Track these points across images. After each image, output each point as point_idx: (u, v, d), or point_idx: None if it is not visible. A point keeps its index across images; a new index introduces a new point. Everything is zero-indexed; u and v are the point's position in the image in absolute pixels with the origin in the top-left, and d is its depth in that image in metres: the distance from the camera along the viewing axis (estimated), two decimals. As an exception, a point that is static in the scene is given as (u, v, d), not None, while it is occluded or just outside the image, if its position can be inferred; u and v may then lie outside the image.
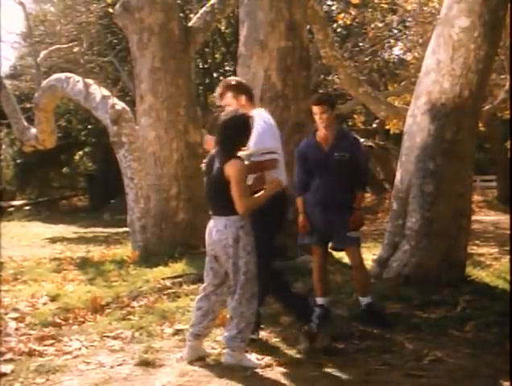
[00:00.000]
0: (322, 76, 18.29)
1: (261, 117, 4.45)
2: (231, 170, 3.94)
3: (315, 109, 4.90)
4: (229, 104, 4.57)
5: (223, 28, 19.66)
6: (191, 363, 4.09)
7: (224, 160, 3.98)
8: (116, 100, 9.96)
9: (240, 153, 4.08)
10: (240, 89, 4.65)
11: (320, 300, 4.98)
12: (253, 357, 4.09)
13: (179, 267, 6.98)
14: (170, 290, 5.91)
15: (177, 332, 4.73)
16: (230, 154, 4.00)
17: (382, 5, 14.14)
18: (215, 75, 22.68)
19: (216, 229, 4.05)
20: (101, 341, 4.65)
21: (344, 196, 4.84)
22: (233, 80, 4.81)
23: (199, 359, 4.14)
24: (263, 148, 4.36)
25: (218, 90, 4.70)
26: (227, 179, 3.95)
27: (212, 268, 4.16)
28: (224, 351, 4.22)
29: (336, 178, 4.83)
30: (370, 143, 21.34)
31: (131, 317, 5.23)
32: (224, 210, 4.03)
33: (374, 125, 22.23)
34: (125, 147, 9.35)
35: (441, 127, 6.07)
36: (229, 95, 4.60)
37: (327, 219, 4.85)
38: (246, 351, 4.12)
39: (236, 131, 4.07)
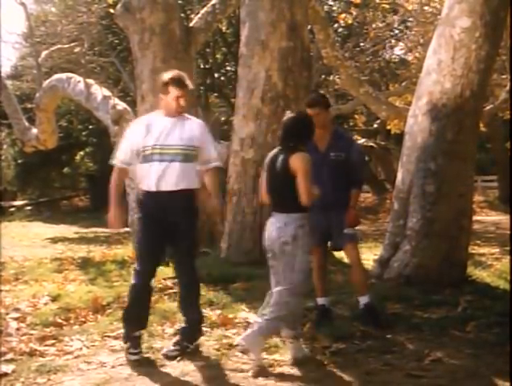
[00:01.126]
0: (323, 76, 18.28)
1: (206, 127, 4.51)
2: (298, 161, 4.02)
3: (309, 112, 4.85)
4: (184, 100, 4.35)
5: (224, 28, 19.61)
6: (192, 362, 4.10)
7: (289, 153, 4.06)
8: (117, 101, 9.97)
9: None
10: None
11: (320, 300, 4.98)
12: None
13: (180, 267, 6.96)
14: (171, 290, 5.90)
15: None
16: (295, 148, 4.09)
17: (383, 5, 14.11)
18: (216, 75, 22.66)
19: (275, 226, 4.09)
20: (102, 341, 4.65)
21: (341, 196, 4.84)
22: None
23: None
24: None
25: (186, 83, 4.33)
26: (292, 173, 4.01)
27: (272, 266, 4.20)
28: (224, 351, 4.25)
29: (334, 178, 4.82)
30: (371, 143, 21.36)
31: (132, 317, 5.23)
32: (284, 206, 4.09)
33: (375, 126, 22.24)
34: (127, 147, 9.34)
35: (442, 127, 6.07)
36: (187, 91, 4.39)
37: (325, 219, 4.85)
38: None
39: (302, 128, 4.20)
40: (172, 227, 4.29)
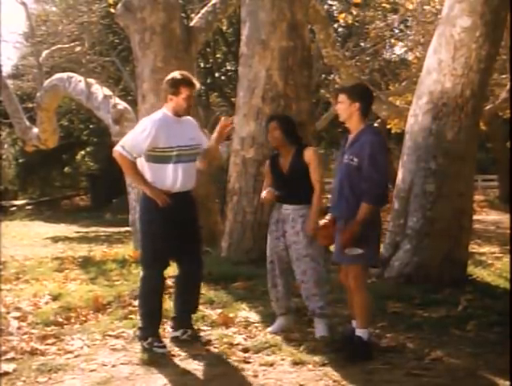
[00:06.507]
0: (323, 76, 18.28)
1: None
2: None
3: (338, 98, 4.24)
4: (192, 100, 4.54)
5: (224, 28, 19.60)
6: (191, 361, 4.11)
7: None
8: (118, 100, 9.97)
9: None
10: None
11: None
12: None
13: (180, 266, 6.96)
14: (171, 289, 5.90)
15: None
16: None
17: (384, 4, 14.10)
18: (217, 75, 22.62)
19: None
20: (102, 340, 4.66)
21: (345, 207, 4.17)
22: None
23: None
24: None
25: (195, 83, 4.51)
26: None
27: None
28: (225, 350, 4.25)
29: (341, 186, 4.19)
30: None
31: (133, 316, 5.23)
32: None
33: (376, 125, 22.21)
34: (127, 147, 9.35)
35: (443, 127, 6.07)
36: None
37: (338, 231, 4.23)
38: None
39: None
40: (186, 225, 4.50)
